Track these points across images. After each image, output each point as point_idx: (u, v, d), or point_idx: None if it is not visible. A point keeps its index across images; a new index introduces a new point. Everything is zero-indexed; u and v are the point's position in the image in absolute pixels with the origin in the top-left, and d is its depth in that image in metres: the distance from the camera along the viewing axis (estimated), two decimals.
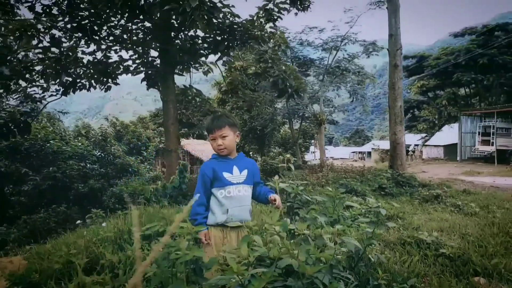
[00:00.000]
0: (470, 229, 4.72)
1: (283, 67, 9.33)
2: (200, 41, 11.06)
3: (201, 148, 33.50)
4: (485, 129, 27.55)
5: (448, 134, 36.31)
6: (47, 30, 8.52)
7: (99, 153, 17.85)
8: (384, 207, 2.83)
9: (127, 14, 8.90)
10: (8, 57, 6.97)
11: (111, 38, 11.16)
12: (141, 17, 10.29)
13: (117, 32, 11.20)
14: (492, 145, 26.10)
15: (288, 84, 8.93)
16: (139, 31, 11.28)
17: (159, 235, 3.05)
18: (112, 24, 10.78)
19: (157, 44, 10.83)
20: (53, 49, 8.99)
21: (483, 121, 28.27)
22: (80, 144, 16.41)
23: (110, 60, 11.42)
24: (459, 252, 3.70)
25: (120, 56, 11.14)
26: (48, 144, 14.68)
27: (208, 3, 6.81)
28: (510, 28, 29.22)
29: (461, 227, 4.82)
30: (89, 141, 18.07)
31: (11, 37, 7.61)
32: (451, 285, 3.03)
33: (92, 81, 11.41)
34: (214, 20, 8.06)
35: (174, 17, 9.26)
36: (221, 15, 7.83)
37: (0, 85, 6.72)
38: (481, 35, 30.02)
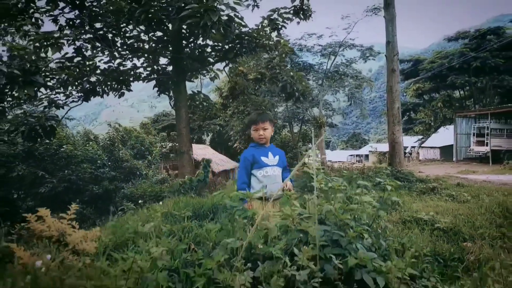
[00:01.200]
0: (462, 211, 5.42)
1: (291, 73, 10.07)
2: (209, 50, 11.80)
3: (202, 153, 34.14)
4: (479, 130, 28.35)
5: (444, 136, 37.16)
6: (72, 41, 9.23)
7: (106, 157, 18.50)
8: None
9: (144, 26, 9.58)
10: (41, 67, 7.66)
11: (124, 47, 11.88)
12: (154, 27, 11.02)
13: (130, 41, 11.92)
14: (487, 145, 26.88)
15: (295, 88, 9.66)
16: (151, 41, 12.00)
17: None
18: (127, 34, 11.48)
19: (169, 53, 11.54)
20: (75, 59, 9.69)
21: (477, 122, 29.09)
22: (90, 148, 17.06)
23: (123, 68, 12.13)
24: (451, 225, 4.40)
25: (134, 64, 11.82)
26: (61, 149, 15.32)
27: (225, 16, 7.54)
28: (501, 32, 30.19)
29: (454, 210, 5.52)
30: (98, 146, 18.72)
31: (42, 49, 8.29)
32: (444, 248, 3.72)
33: (106, 88, 12.13)
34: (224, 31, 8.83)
35: (185, 27, 9.95)
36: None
37: (34, 92, 7.38)
38: (473, 38, 30.98)
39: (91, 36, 9.71)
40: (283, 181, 3.50)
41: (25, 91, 7.18)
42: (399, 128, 10.92)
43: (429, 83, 33.78)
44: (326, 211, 2.33)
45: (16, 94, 7.43)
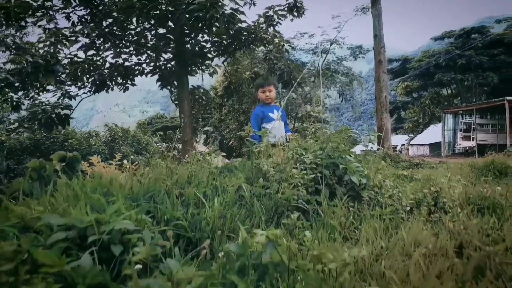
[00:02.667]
0: (440, 173, 6.29)
1: (288, 62, 10.97)
2: (209, 45, 12.62)
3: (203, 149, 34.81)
4: (466, 125, 29.53)
5: (433, 133, 38.35)
6: (86, 36, 10.04)
7: (108, 153, 19.20)
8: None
9: (153, 21, 10.39)
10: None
11: (128, 44, 12.66)
12: (159, 23, 11.84)
13: (135, 38, 12.70)
14: (473, 140, 28.03)
15: (291, 76, 10.55)
16: (154, 38, 12.79)
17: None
18: (132, 32, 12.27)
19: (172, 48, 12.34)
20: (88, 52, 10.50)
21: (464, 118, 30.27)
22: (94, 143, 17.76)
23: (128, 63, 12.90)
24: (428, 177, 5.27)
25: (139, 59, 12.59)
26: (66, 143, 16.03)
27: (229, 10, 8.40)
28: (485, 31, 31.50)
29: (433, 174, 6.40)
30: (100, 142, 19.41)
31: (59, 44, 9.11)
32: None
33: (111, 82, 12.89)
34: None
35: (188, 24, 10.76)
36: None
37: (55, 81, 8.16)
38: (459, 37, 32.27)
39: (102, 32, 10.48)
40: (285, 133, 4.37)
41: (47, 79, 7.96)
42: (386, 115, 11.88)
43: (418, 81, 35.02)
44: (321, 136, 3.18)
45: (40, 82, 8.20)
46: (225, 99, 23.94)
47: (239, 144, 33.78)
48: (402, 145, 43.19)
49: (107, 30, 10.91)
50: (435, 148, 37.77)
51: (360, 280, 1.67)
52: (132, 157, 3.59)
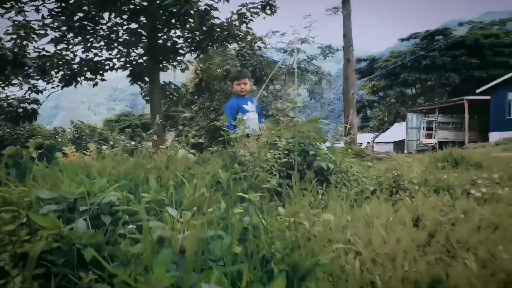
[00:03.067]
0: (402, 164, 6.64)
1: (260, 59, 11.16)
2: (181, 41, 12.64)
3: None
4: (428, 124, 30.77)
5: (397, 132, 39.66)
6: (56, 29, 9.86)
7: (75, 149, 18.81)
8: None
9: (126, 16, 10.32)
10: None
11: (98, 39, 12.50)
12: (131, 18, 11.78)
13: (106, 33, 12.55)
14: (434, 138, 29.24)
15: (263, 72, 10.76)
16: (125, 33, 12.68)
17: None
18: (103, 26, 12.13)
19: (144, 43, 12.29)
20: (57, 46, 10.31)
21: (426, 117, 31.51)
22: (60, 140, 17.36)
23: (99, 58, 12.74)
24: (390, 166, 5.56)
25: (110, 54, 12.47)
26: (30, 140, 15.61)
27: (203, 7, 8.50)
28: (448, 33, 32.87)
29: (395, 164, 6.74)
30: (66, 139, 19.01)
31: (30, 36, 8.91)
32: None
33: (80, 77, 12.71)
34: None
35: (163, 18, 10.77)
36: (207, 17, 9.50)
37: (23, 74, 7.99)
38: (424, 38, 33.55)
39: (72, 25, 10.33)
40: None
41: (15, 73, 7.80)
42: (353, 112, 12.31)
43: (384, 81, 36.14)
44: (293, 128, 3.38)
45: (6, 76, 8.01)
46: (196, 97, 23.90)
47: (210, 141, 33.83)
48: (368, 143, 44.45)
49: (77, 24, 10.75)
50: (399, 146, 39.06)
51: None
52: (105, 146, 3.67)
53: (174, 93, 15.04)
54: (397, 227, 2.08)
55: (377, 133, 39.20)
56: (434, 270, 1.37)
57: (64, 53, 11.43)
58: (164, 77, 15.10)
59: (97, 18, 11.32)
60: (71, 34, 10.92)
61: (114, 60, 13.24)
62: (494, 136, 23.58)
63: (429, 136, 30.01)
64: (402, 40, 36.43)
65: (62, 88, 11.38)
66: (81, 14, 10.78)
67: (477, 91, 26.12)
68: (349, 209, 2.50)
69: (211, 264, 1.16)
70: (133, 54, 13.41)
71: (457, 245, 1.80)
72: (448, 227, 2.07)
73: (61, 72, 10.85)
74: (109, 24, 12.23)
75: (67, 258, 1.31)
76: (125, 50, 12.97)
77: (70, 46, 10.96)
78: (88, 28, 11.11)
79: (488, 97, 25.69)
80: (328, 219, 1.65)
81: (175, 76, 13.84)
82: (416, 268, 1.44)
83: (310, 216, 1.52)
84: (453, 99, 27.69)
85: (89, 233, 1.41)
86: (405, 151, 32.39)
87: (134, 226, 1.36)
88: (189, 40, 12.44)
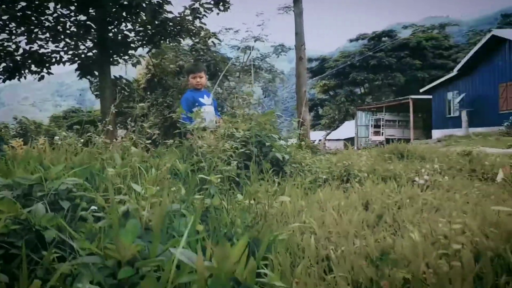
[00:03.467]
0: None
1: (214, 54, 11.14)
2: (133, 34, 12.33)
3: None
4: (376, 121, 32.13)
5: (347, 129, 41.04)
6: None
7: None
8: None
9: (74, 7, 9.91)
10: None
11: (44, 30, 11.91)
12: (75, 10, 11.33)
13: (52, 25, 11.96)
14: (382, 135, 30.58)
15: (218, 68, 10.74)
16: (73, 25, 12.16)
17: None
18: (48, 17, 11.56)
19: (94, 36, 11.86)
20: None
21: (374, 115, 32.88)
22: (4, 136, 16.39)
23: (44, 50, 12.13)
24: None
25: (57, 46, 11.92)
26: None
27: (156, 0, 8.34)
28: (394, 34, 34.47)
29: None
30: (9, 135, 17.97)
31: None
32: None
33: (25, 70, 12.05)
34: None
35: (114, 10, 10.46)
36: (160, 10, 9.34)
37: None
38: (371, 39, 34.97)
39: (14, 14, 9.78)
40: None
41: None
42: (306, 109, 12.62)
43: (334, 80, 37.27)
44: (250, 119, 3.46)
45: None
46: (148, 93, 23.39)
47: (163, 138, 33.11)
48: (320, 140, 45.71)
49: (20, 13, 10.18)
50: (348, 143, 40.35)
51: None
52: (57, 137, 3.57)
53: (126, 88, 14.64)
54: (348, 210, 2.21)
55: (328, 131, 40.34)
56: (383, 243, 1.49)
57: (5, 44, 10.80)
58: (115, 72, 14.66)
59: (42, 8, 10.79)
60: (13, 24, 10.32)
61: (62, 53, 12.68)
62: (436, 133, 25.07)
63: (377, 133, 31.31)
64: (351, 40, 37.78)
65: (4, 81, 10.73)
66: (24, 3, 10.22)
67: (421, 90, 27.61)
68: (303, 196, 2.62)
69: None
70: (82, 47, 12.90)
71: (402, 224, 1.95)
72: (395, 209, 2.23)
73: (3, 64, 10.22)
74: (55, 15, 11.70)
75: (28, 239, 1.29)
76: (73, 42, 12.45)
77: (13, 37, 10.34)
78: (32, 18, 10.55)
79: (430, 97, 27.23)
80: (285, 200, 1.74)
81: (126, 71, 13.49)
82: (366, 243, 1.56)
83: (268, 196, 1.60)
84: (399, 98, 29.07)
85: (48, 215, 1.40)
86: (355, 148, 33.60)
87: (96, 207, 1.37)
88: (140, 34, 12.16)
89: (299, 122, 5.08)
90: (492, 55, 22.62)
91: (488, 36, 22.74)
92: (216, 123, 4.45)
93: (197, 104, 4.33)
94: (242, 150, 3.05)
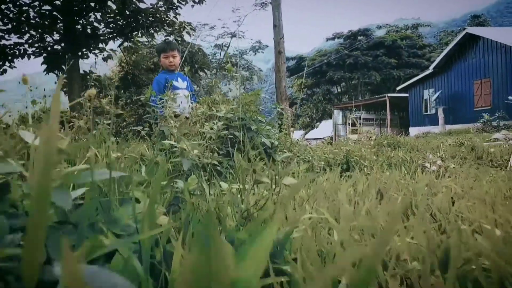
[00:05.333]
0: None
1: (189, 44, 10.56)
2: (102, 26, 11.62)
3: None
4: (353, 120, 32.14)
5: (325, 128, 41.00)
6: None
7: None
8: None
9: None
10: None
11: (6, 21, 11.08)
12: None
13: (13, 15, 11.14)
14: (360, 133, 30.59)
15: (194, 60, 10.19)
16: (37, 15, 11.36)
17: None
18: (9, 5, 10.75)
19: (60, 28, 11.11)
20: None
21: (352, 113, 32.87)
22: None
23: (6, 43, 11.31)
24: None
25: (20, 37, 11.12)
26: None
27: None
28: (370, 33, 34.59)
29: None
30: None
31: None
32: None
33: None
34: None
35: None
36: None
37: None
38: (347, 38, 34.99)
39: None
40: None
41: None
42: (286, 104, 12.19)
43: (311, 79, 37.13)
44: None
45: None
46: (122, 91, 22.56)
47: (139, 137, 32.09)
48: (298, 139, 45.52)
49: None
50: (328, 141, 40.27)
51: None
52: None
53: (97, 83, 13.86)
54: (362, 200, 1.76)
55: (306, 130, 40.20)
56: (437, 239, 1.04)
57: None
58: (86, 68, 13.87)
59: None
60: None
61: (26, 46, 11.85)
62: (413, 131, 25.17)
63: (354, 131, 31.30)
64: (328, 39, 37.76)
65: None
66: None
67: (397, 88, 27.73)
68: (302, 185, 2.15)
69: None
70: (48, 39, 12.11)
71: (440, 215, 1.51)
72: (418, 198, 1.79)
73: None
74: (17, 4, 10.89)
75: None
76: (38, 35, 11.65)
77: None
78: None
79: (407, 95, 27.37)
80: (291, 182, 1.27)
81: (96, 65, 12.75)
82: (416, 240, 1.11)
83: (271, 178, 1.12)
84: (376, 96, 29.13)
85: None
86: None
87: None
88: (111, 26, 11.47)
89: (282, 109, 4.62)
90: (466, 53, 22.87)
91: (462, 33, 22.98)
92: (192, 109, 3.96)
93: (170, 87, 3.81)
94: (224, 133, 2.56)
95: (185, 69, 3.01)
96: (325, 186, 1.99)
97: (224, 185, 1.64)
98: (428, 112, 25.38)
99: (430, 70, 25.02)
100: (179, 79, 3.95)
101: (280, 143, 2.92)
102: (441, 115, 22.95)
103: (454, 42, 23.19)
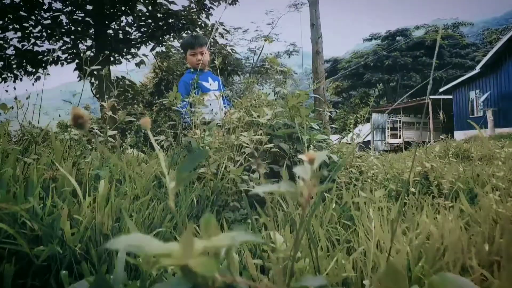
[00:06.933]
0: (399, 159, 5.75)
1: (222, 46, 10.08)
2: (133, 30, 11.32)
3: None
4: (393, 124, 30.73)
5: (362, 133, 39.64)
6: None
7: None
8: None
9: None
10: None
11: (39, 27, 10.99)
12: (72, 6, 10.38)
13: (47, 22, 11.03)
14: (400, 137, 29.16)
15: (226, 62, 9.66)
16: (70, 22, 11.21)
17: None
18: (43, 14, 10.65)
19: (92, 34, 10.91)
20: None
21: (391, 117, 31.51)
22: None
23: (39, 49, 11.23)
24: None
25: (51, 43, 11.00)
26: None
27: None
28: (408, 33, 33.15)
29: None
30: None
31: None
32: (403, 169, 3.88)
33: (19, 71, 11.17)
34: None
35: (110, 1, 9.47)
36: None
37: None
38: (385, 39, 33.66)
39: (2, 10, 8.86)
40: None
41: None
42: (324, 107, 11.40)
43: (348, 82, 36.02)
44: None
45: None
46: (157, 97, 22.52)
47: (176, 144, 32.08)
48: (334, 144, 44.33)
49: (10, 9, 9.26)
50: (364, 146, 39.03)
51: None
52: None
53: (130, 90, 13.61)
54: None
55: (342, 134, 39.09)
56: None
57: None
58: (119, 74, 13.68)
59: (34, 1, 9.86)
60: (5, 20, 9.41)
61: (59, 53, 11.74)
62: (459, 135, 23.65)
63: (394, 136, 29.96)
64: (364, 40, 36.47)
65: None
66: None
67: (440, 90, 26.26)
68: (384, 222, 1.48)
69: None
70: (80, 46, 11.95)
71: None
72: None
73: None
74: (51, 12, 10.78)
75: None
76: (71, 42, 11.49)
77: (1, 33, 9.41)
78: (24, 14, 9.63)
79: (451, 97, 25.84)
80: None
81: (127, 71, 12.51)
82: None
83: None
84: (417, 98, 27.73)
85: None
86: (373, 152, 32.28)
87: None
88: (142, 30, 11.15)
89: (331, 112, 3.94)
90: None
91: None
92: (225, 114, 3.35)
93: (198, 89, 3.22)
94: (269, 146, 1.92)
95: (216, 61, 2.39)
96: (432, 230, 1.30)
97: (279, 238, 1.00)
98: (475, 115, 23.76)
99: (477, 70, 23.44)
100: (209, 79, 3.35)
101: (341, 158, 2.25)
102: (490, 118, 21.36)
103: (504, 39, 21.55)
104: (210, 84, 3.32)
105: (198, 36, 3.43)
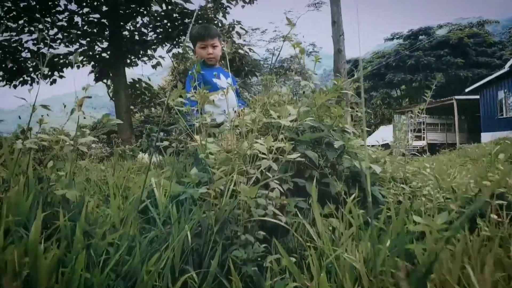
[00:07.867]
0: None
1: (239, 45, 9.71)
2: (150, 31, 11.07)
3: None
4: (416, 125, 29.75)
5: (383, 134, 38.63)
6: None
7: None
8: None
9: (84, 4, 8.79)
10: None
11: (55, 29, 10.86)
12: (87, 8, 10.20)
13: (61, 23, 10.89)
14: (424, 139, 28.18)
15: (244, 62, 9.28)
16: (85, 24, 11.04)
17: None
18: (58, 16, 10.52)
19: (107, 35, 10.70)
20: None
21: (414, 118, 30.50)
22: None
23: (55, 52, 11.08)
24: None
25: (67, 45, 10.85)
26: None
27: None
28: (431, 32, 32.11)
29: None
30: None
31: None
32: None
33: (36, 74, 11.07)
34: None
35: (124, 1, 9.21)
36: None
37: None
38: (407, 38, 32.69)
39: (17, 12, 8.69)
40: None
41: None
42: (347, 108, 10.88)
43: (369, 82, 35.17)
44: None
45: None
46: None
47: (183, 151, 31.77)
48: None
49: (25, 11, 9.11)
50: (386, 149, 38.01)
51: None
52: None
53: (146, 92, 13.37)
54: None
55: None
56: None
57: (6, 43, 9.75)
58: (136, 76, 13.47)
59: (50, 3, 9.69)
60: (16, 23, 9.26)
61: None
62: (486, 137, 22.66)
63: (418, 138, 28.99)
64: (386, 40, 35.51)
65: (5, 84, 9.63)
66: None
67: (466, 90, 25.25)
68: (451, 263, 1.03)
69: None
70: (96, 48, 11.78)
71: None
72: None
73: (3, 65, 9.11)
74: (66, 13, 10.63)
75: None
76: (87, 44, 11.31)
77: (16, 35, 9.25)
78: (38, 16, 9.47)
79: (477, 97, 24.80)
80: None
81: (142, 73, 12.28)
82: None
83: None
84: (442, 99, 26.75)
85: None
86: (393, 154, 31.36)
87: None
88: (157, 30, 10.88)
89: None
90: None
91: None
92: (239, 115, 2.92)
93: (209, 86, 2.79)
94: (293, 156, 1.49)
95: (226, 49, 1.98)
96: None
97: None
98: (504, 115, 22.68)
99: (506, 68, 22.36)
100: (221, 75, 2.93)
101: (384, 169, 1.80)
102: None
103: None
104: (222, 81, 2.90)
105: (210, 26, 3.00)
